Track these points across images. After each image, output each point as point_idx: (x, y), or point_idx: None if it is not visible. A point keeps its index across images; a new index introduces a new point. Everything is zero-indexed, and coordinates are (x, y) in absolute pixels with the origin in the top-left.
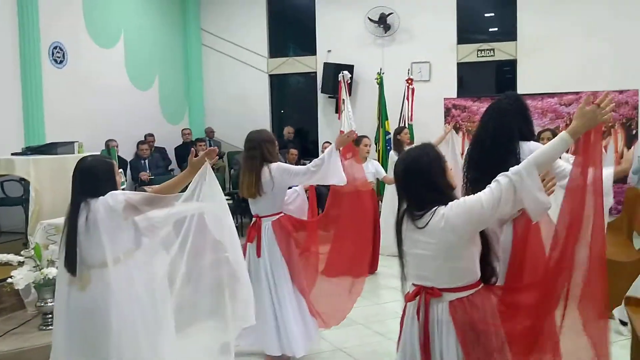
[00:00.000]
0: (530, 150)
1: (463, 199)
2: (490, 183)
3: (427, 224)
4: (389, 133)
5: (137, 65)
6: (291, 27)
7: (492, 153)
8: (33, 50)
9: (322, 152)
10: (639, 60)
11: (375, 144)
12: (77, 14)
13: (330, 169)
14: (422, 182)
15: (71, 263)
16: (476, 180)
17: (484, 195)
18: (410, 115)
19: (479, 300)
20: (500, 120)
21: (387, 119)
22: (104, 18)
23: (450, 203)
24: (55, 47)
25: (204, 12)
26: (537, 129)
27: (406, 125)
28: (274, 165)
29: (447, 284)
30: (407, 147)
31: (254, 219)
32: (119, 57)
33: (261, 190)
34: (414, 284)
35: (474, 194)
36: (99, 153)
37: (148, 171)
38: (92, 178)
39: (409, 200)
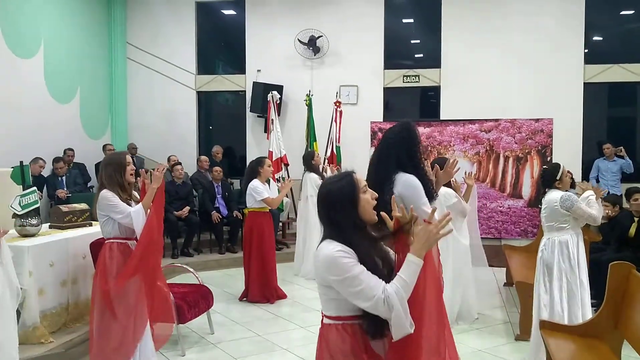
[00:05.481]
0: (403, 183)
1: (342, 256)
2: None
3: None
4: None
5: (58, 77)
6: (220, 45)
7: (372, 180)
8: None
9: None
10: (554, 90)
11: None
12: None
13: (140, 220)
14: (325, 214)
15: None
16: None
17: (365, 279)
18: (337, 137)
19: (335, 333)
20: (381, 149)
21: (315, 140)
22: (23, 26)
23: (332, 244)
24: None
25: (131, 25)
26: (459, 154)
27: (334, 146)
28: (102, 192)
29: (323, 309)
30: (329, 169)
31: None
32: (38, 68)
33: (95, 214)
34: None
35: None
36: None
37: (65, 189)
38: None
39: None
